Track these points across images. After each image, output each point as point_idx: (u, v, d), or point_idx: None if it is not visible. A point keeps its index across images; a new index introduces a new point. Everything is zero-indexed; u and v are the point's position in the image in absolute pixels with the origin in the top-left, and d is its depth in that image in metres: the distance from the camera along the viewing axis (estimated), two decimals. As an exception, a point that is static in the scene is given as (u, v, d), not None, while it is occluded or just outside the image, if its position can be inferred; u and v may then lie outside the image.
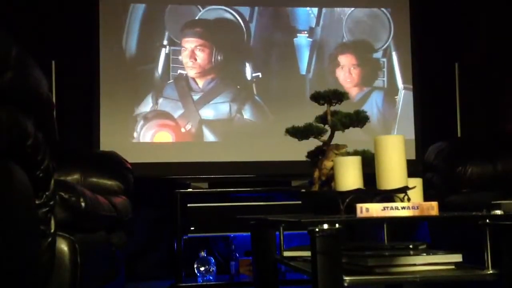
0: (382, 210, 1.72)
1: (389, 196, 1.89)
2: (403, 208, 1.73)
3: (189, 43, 4.34)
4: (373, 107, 4.44)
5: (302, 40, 4.46)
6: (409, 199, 1.87)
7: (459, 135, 4.41)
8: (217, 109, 4.32)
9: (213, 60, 4.35)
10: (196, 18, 4.39)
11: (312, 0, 4.50)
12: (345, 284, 1.67)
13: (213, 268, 3.98)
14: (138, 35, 4.29)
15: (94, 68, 4.21)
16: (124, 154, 3.28)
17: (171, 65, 4.30)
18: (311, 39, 4.46)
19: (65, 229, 1.95)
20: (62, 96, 4.16)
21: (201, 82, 4.33)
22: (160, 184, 4.22)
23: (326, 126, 2.28)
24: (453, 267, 1.85)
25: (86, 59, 4.27)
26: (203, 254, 4.00)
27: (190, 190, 4.06)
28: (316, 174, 2.21)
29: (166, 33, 4.32)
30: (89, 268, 2.07)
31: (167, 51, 4.31)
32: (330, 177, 2.14)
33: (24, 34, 4.09)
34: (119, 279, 2.85)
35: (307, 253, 1.78)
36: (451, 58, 4.55)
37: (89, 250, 2.13)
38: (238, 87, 4.36)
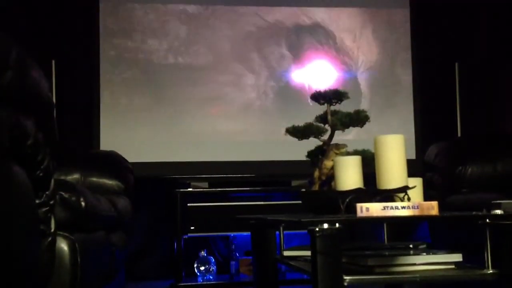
0: (382, 209, 1.72)
1: (389, 195, 1.88)
2: (403, 207, 1.73)
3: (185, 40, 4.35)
4: (373, 106, 4.43)
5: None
6: (409, 199, 1.87)
7: (459, 135, 4.41)
8: (218, 109, 4.32)
9: (212, 60, 4.35)
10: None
11: (313, 0, 4.50)
12: (345, 284, 1.67)
13: (213, 268, 3.98)
14: (138, 35, 4.29)
15: (94, 68, 4.21)
16: (124, 154, 3.28)
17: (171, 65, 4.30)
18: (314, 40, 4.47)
19: (65, 229, 1.95)
20: (62, 96, 4.16)
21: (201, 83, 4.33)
22: (160, 184, 4.21)
23: (326, 126, 2.27)
24: (453, 266, 1.85)
25: (86, 59, 4.27)
26: (203, 253, 4.00)
27: (190, 189, 4.06)
28: (316, 173, 2.21)
29: (166, 33, 4.32)
30: (89, 267, 2.07)
31: (167, 51, 4.31)
32: (330, 177, 2.14)
33: (24, 34, 4.09)
34: (119, 278, 2.85)
35: (307, 253, 1.78)
36: (451, 58, 4.55)
37: (89, 249, 2.13)
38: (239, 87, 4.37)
